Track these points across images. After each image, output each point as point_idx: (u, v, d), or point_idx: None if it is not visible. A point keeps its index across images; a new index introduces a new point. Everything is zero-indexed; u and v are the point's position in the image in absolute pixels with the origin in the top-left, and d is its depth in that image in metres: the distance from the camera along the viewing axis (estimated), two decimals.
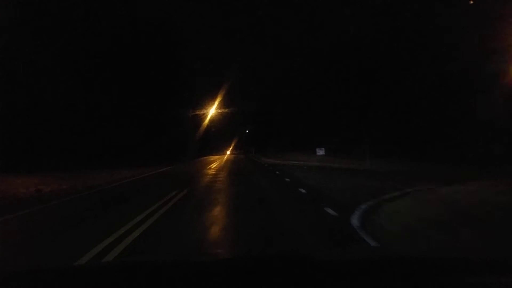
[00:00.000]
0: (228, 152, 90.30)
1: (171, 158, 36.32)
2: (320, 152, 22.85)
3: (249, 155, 62.10)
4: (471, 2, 14.02)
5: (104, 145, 27.60)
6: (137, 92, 31.92)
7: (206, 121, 55.45)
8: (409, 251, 2.64)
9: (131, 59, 31.37)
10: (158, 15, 36.53)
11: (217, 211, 6.87)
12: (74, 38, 26.34)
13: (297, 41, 41.26)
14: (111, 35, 29.57)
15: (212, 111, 53.01)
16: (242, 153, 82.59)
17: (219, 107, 53.33)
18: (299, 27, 39.61)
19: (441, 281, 1.34)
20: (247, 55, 55.93)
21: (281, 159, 28.73)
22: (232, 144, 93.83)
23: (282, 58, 52.16)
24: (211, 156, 62.37)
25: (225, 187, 11.30)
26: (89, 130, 27.02)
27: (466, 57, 15.71)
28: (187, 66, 49.86)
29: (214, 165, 26.09)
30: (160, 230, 5.44)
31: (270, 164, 25.21)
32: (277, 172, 16.91)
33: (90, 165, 23.00)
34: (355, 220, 5.50)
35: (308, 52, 33.24)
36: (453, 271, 1.45)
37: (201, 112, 53.93)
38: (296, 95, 43.86)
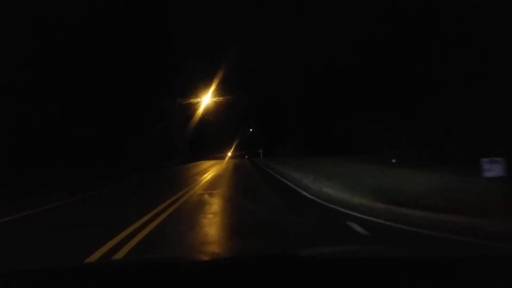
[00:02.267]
0: (229, 154, 76.58)
1: (135, 167, 25.30)
2: (492, 171, 8.26)
3: (255, 161, 43.16)
4: None
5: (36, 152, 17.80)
6: (100, 77, 22.90)
7: (199, 111, 40.99)
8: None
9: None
10: None
11: None
12: None
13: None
14: None
15: (206, 100, 38.58)
16: (245, 155, 69.42)
17: (214, 96, 38.80)
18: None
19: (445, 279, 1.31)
20: (249, 35, 41.14)
21: (347, 181, 10.88)
22: (233, 146, 79.82)
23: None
24: (202, 163, 44.82)
25: None
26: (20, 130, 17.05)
27: None
28: (177, 44, 37.14)
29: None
30: None
31: None
32: None
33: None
34: None
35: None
36: (453, 270, 1.42)
37: (195, 101, 39.72)
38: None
